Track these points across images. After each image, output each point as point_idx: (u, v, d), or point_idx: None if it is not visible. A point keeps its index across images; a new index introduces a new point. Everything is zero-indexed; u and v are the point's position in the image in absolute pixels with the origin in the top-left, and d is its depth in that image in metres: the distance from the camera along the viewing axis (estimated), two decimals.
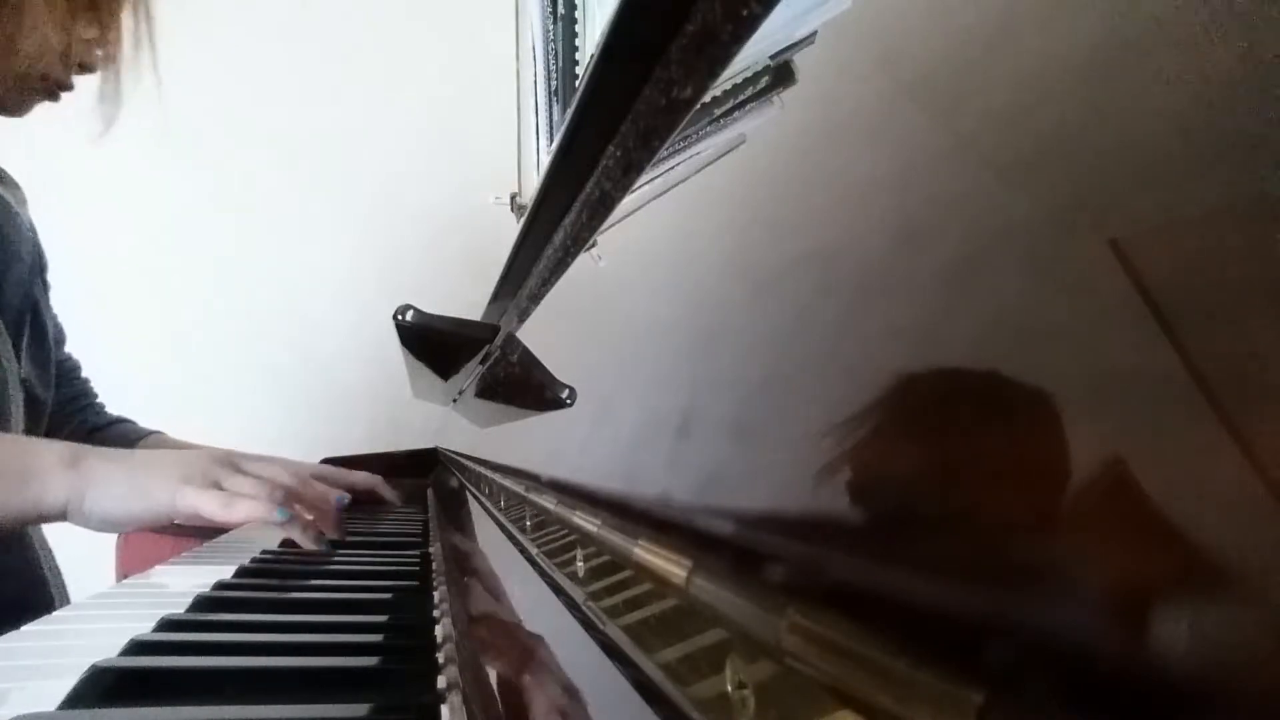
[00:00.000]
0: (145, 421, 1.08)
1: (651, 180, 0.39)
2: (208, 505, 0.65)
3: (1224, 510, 0.08)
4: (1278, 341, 0.08)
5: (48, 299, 0.91)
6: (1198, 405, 0.09)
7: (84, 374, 1.04)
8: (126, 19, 0.77)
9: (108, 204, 1.72)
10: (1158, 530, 0.09)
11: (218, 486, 0.67)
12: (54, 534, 0.88)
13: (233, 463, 0.71)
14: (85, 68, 0.77)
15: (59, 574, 0.88)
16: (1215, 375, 0.09)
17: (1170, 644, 0.08)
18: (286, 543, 0.79)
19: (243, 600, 0.57)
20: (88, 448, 0.67)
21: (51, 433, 0.94)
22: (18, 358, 0.81)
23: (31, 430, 0.84)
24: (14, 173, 0.88)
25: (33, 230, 0.88)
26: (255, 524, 0.74)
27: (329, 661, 0.42)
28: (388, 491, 1.05)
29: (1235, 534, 0.08)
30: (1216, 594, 0.08)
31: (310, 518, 0.74)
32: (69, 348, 1.00)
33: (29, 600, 0.79)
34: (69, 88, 0.77)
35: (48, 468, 0.63)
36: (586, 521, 0.30)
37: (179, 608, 0.51)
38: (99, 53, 0.76)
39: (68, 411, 0.99)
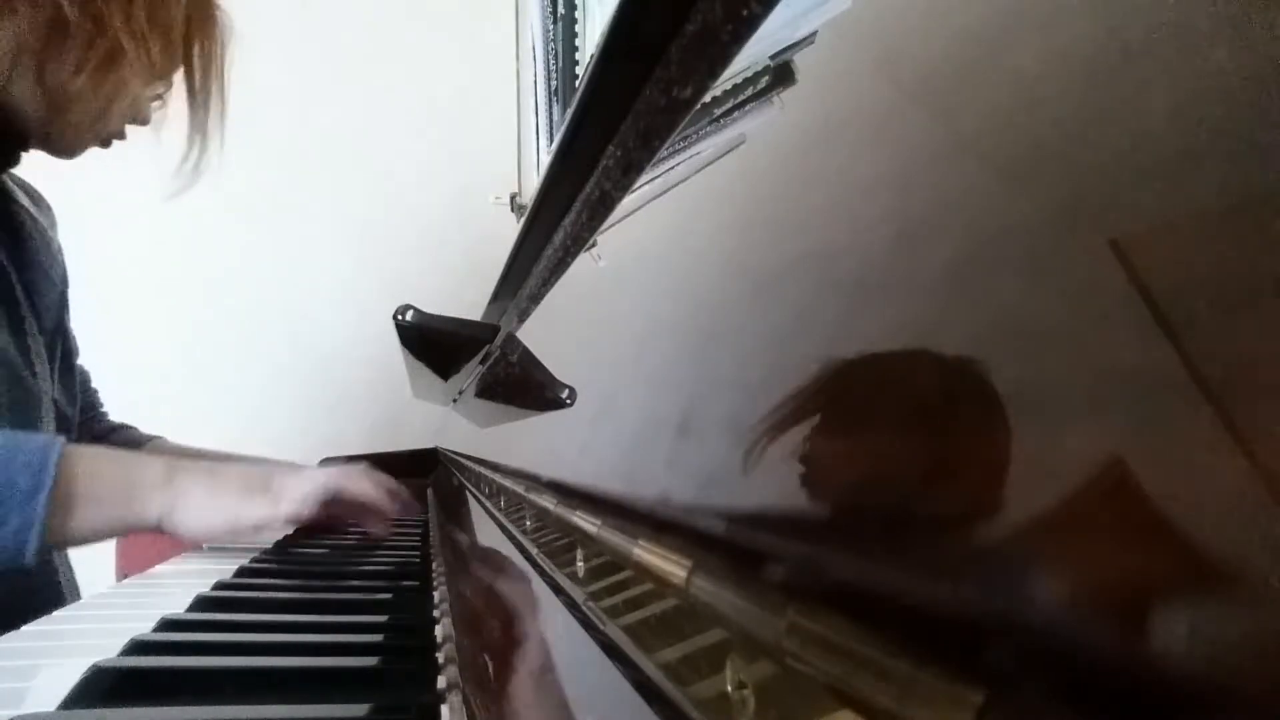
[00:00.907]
0: (147, 422, 1.08)
1: (651, 180, 0.39)
2: (259, 511, 0.73)
3: (1224, 510, 0.08)
4: (1278, 341, 0.08)
5: (68, 316, 0.95)
6: (1197, 405, 0.09)
7: (92, 384, 1.07)
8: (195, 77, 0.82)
9: (109, 204, 1.72)
10: (1157, 530, 0.09)
11: (275, 492, 0.75)
12: None
13: (292, 470, 0.79)
14: (141, 121, 0.81)
15: (73, 578, 0.89)
16: (1215, 375, 0.09)
17: (1170, 643, 0.08)
18: (285, 542, 0.80)
19: (243, 600, 0.57)
20: (180, 464, 0.73)
21: None
22: (51, 379, 0.84)
23: None
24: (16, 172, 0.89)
25: (60, 253, 0.92)
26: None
27: (329, 661, 0.42)
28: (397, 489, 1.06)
29: (1235, 534, 0.08)
30: (1216, 593, 0.08)
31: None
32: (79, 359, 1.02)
33: (41, 600, 0.79)
34: (123, 137, 0.82)
35: (150, 484, 0.69)
36: (586, 521, 0.30)
37: (179, 607, 0.51)
38: (156, 107, 0.82)
39: (78, 421, 1.01)
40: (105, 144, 0.81)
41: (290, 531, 0.84)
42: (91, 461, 0.66)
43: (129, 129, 0.81)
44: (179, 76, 0.81)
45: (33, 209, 0.88)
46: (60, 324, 0.88)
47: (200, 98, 0.81)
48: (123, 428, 1.08)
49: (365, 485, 0.82)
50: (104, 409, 1.08)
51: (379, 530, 0.84)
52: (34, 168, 0.89)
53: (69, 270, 0.93)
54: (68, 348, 0.91)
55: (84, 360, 1.05)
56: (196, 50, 0.79)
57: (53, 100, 0.72)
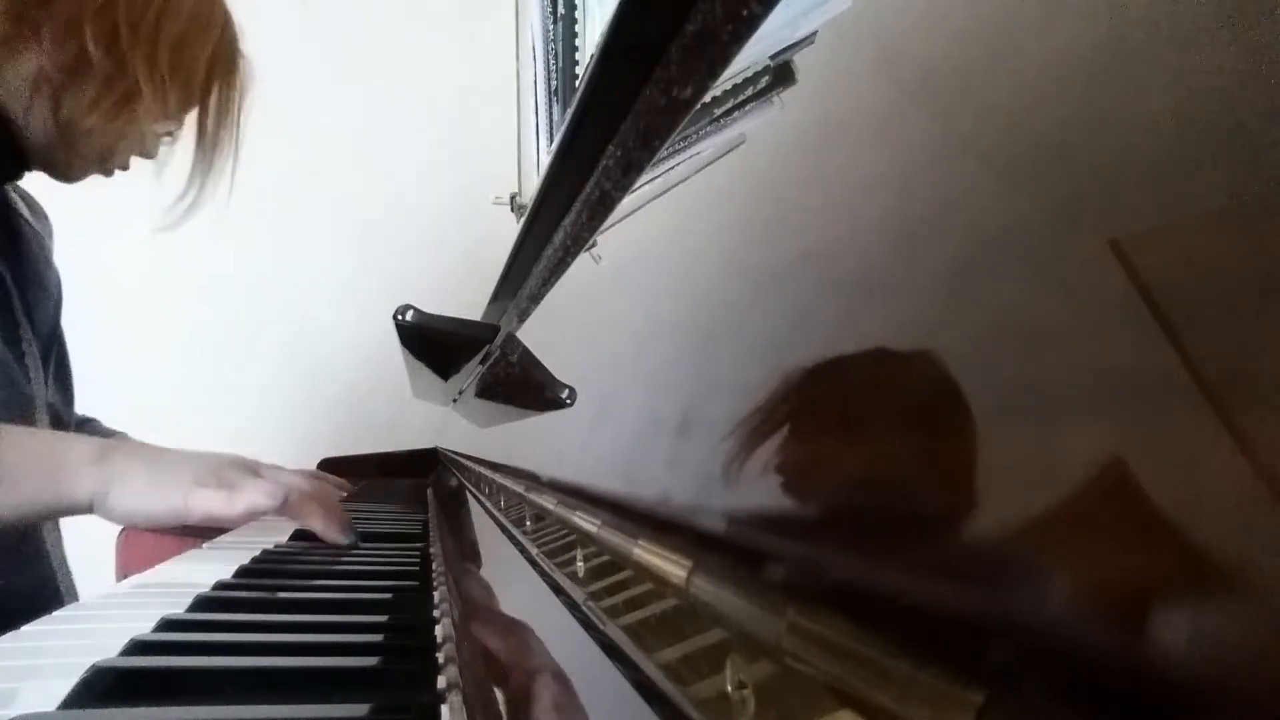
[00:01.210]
0: (146, 422, 1.08)
1: (651, 180, 0.39)
2: (215, 503, 0.68)
3: (1224, 510, 0.08)
4: (1278, 341, 0.08)
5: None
6: (1197, 405, 0.09)
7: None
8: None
9: (108, 204, 1.72)
10: (1157, 530, 0.09)
11: (228, 487, 0.69)
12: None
13: (247, 466, 0.74)
14: (148, 155, 0.82)
15: (70, 578, 0.89)
16: (1215, 375, 0.09)
17: (1170, 643, 0.08)
18: (294, 537, 0.80)
19: (243, 600, 0.57)
20: (115, 443, 0.70)
21: None
22: (45, 384, 0.85)
23: None
24: (27, 192, 0.90)
25: (54, 265, 0.92)
26: (258, 523, 0.75)
27: (329, 661, 0.42)
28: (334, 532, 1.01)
29: (1235, 534, 0.08)
30: (1216, 593, 0.08)
31: (322, 511, 0.77)
32: None
33: (38, 600, 0.80)
34: (125, 168, 0.82)
35: (78, 462, 0.65)
36: (586, 521, 0.30)
37: (179, 608, 0.51)
38: (166, 143, 0.82)
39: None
40: (108, 173, 0.81)
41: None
42: (13, 438, 0.64)
43: (134, 160, 0.82)
44: (192, 115, 0.81)
45: (32, 220, 0.89)
46: (55, 331, 0.88)
47: (209, 141, 0.81)
48: (87, 421, 1.07)
49: (312, 516, 0.76)
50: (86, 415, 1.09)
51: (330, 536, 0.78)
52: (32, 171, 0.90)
53: (65, 265, 0.94)
54: (63, 356, 0.91)
55: (82, 359, 1.05)
56: (214, 96, 0.79)
57: (64, 133, 0.72)
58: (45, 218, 0.94)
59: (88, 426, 1.06)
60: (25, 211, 0.88)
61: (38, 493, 0.63)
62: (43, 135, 0.72)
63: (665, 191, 0.38)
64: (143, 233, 1.76)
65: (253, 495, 0.69)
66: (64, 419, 0.89)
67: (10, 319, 0.80)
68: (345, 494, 0.95)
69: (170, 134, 0.81)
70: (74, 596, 0.88)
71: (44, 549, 0.84)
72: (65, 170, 0.78)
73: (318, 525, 0.75)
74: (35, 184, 0.94)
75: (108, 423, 1.07)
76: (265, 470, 0.75)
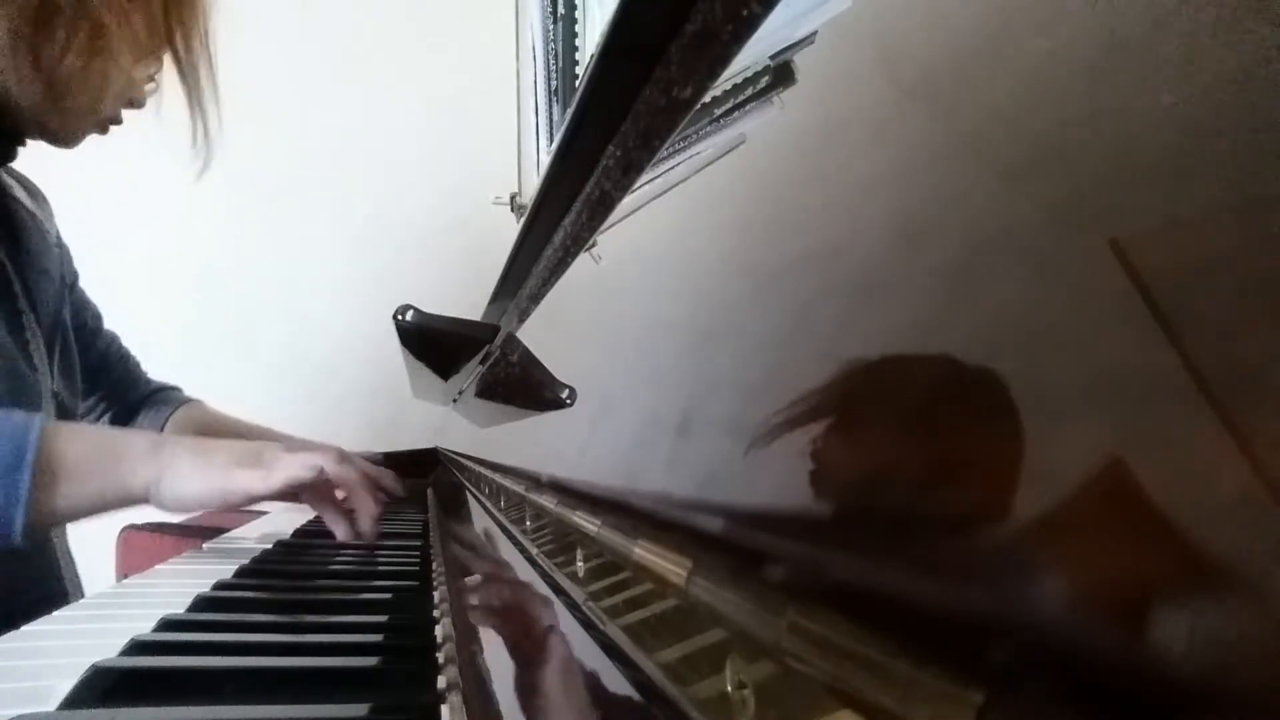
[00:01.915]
0: None
1: (651, 180, 0.39)
2: (253, 481, 0.72)
3: (1224, 510, 0.08)
4: (1278, 341, 0.08)
5: (79, 291, 0.97)
6: (1197, 405, 0.09)
7: (125, 347, 1.10)
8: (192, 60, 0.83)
9: (108, 204, 1.72)
10: (1157, 530, 0.09)
11: (267, 467, 0.73)
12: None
13: (286, 447, 0.77)
14: (136, 104, 0.82)
15: (78, 582, 0.89)
16: (1215, 375, 0.09)
17: (1170, 644, 0.08)
18: (289, 541, 0.80)
19: (242, 600, 0.57)
20: (166, 436, 0.74)
21: (98, 412, 1.04)
22: (51, 372, 0.85)
23: None
24: (24, 175, 0.90)
25: (60, 245, 0.92)
26: (258, 522, 0.76)
27: (329, 661, 0.42)
28: (395, 485, 1.07)
29: (1235, 534, 0.08)
30: (1216, 594, 0.08)
31: (349, 506, 0.79)
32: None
33: (44, 599, 0.80)
34: (119, 122, 0.82)
35: (134, 454, 0.69)
36: (586, 521, 0.30)
37: (179, 608, 0.51)
38: (150, 89, 0.82)
39: (118, 392, 1.06)
40: (103, 130, 0.81)
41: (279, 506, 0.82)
42: (73, 435, 0.66)
43: (127, 118, 0.82)
44: (169, 61, 0.81)
45: (29, 202, 0.88)
46: (60, 317, 0.88)
47: (189, 70, 0.81)
48: (163, 389, 1.11)
49: (350, 475, 0.79)
50: (145, 372, 1.11)
51: (356, 529, 0.79)
52: (32, 167, 0.90)
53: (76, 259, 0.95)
54: (68, 343, 0.91)
55: (111, 331, 1.06)
56: (177, 20, 0.79)
57: (50, 86, 0.72)
58: (45, 200, 0.93)
59: (165, 394, 1.10)
60: (22, 195, 0.87)
61: (102, 486, 0.66)
62: (30, 94, 0.72)
63: (665, 191, 0.38)
64: (143, 233, 1.76)
65: (287, 470, 0.72)
66: (70, 409, 0.90)
67: (13, 307, 0.80)
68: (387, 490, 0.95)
69: (152, 78, 0.81)
70: (80, 593, 0.88)
71: (49, 546, 0.84)
72: (60, 130, 0.78)
73: (343, 519, 0.78)
74: (36, 181, 0.94)
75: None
76: (297, 446, 0.78)
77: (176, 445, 0.72)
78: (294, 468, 0.73)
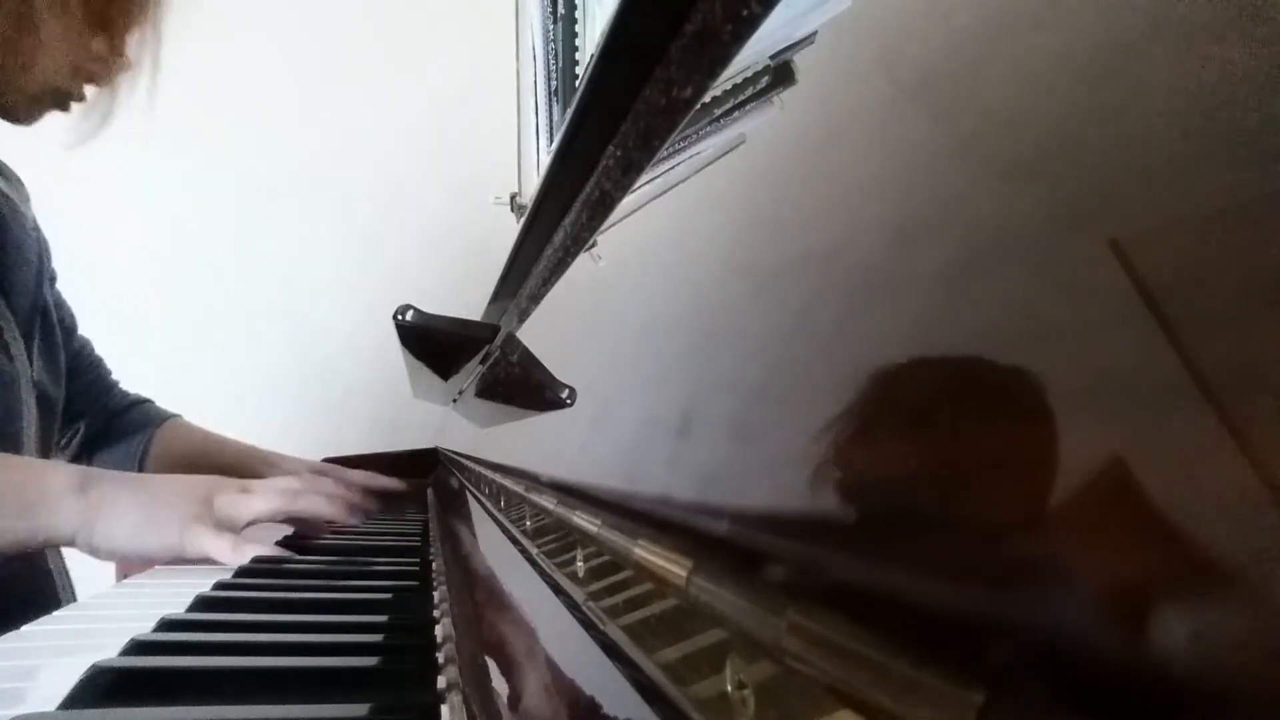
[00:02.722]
0: None
1: (651, 180, 0.39)
2: (216, 549, 0.65)
3: (1224, 510, 0.08)
4: (1278, 341, 0.08)
5: (55, 290, 0.91)
6: (1198, 405, 0.09)
7: (97, 354, 1.04)
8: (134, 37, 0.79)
9: (108, 204, 1.72)
10: (1157, 530, 0.09)
11: (229, 525, 0.68)
12: None
13: (241, 487, 0.72)
14: (94, 80, 0.78)
15: (68, 577, 0.88)
16: (1215, 375, 0.09)
17: (1170, 644, 0.08)
18: (288, 541, 0.80)
19: (242, 600, 0.57)
20: (98, 472, 0.66)
21: (69, 423, 0.96)
22: (30, 360, 0.81)
23: (45, 428, 0.84)
24: (18, 171, 0.89)
25: (37, 229, 0.88)
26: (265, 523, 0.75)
27: (329, 661, 0.42)
28: (389, 481, 1.07)
29: (1235, 534, 0.08)
30: (1216, 594, 0.08)
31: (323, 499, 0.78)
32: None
33: (36, 600, 0.79)
34: (80, 98, 0.78)
35: (56, 494, 0.61)
36: (586, 521, 0.30)
37: (179, 608, 0.51)
38: (108, 67, 0.78)
39: (88, 399, 0.99)
40: (62, 106, 0.77)
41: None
42: None
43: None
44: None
45: (2, 184, 0.85)
46: (38, 301, 0.84)
47: (117, 45, 0.77)
48: (140, 403, 1.05)
49: (317, 504, 0.76)
50: (114, 380, 1.05)
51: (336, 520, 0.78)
52: (32, 168, 0.89)
53: (66, 265, 0.92)
54: (49, 329, 0.87)
55: (85, 336, 1.03)
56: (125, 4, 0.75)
57: None
58: (20, 183, 0.89)
59: (140, 408, 1.04)
60: None
61: (13, 526, 0.60)
62: None
63: (665, 191, 0.38)
64: (142, 233, 1.76)
65: (248, 547, 0.67)
66: (52, 398, 0.86)
67: None
68: (365, 486, 0.96)
69: (118, 53, 0.77)
70: (72, 597, 0.88)
71: (41, 558, 0.83)
72: (11, 107, 0.74)
73: (326, 512, 0.77)
74: (39, 185, 0.94)
75: None
76: (253, 485, 0.73)
77: (114, 486, 0.64)
78: (263, 508, 0.68)
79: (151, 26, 0.79)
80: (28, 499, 0.60)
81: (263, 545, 0.68)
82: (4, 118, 0.76)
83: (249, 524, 0.70)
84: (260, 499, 0.71)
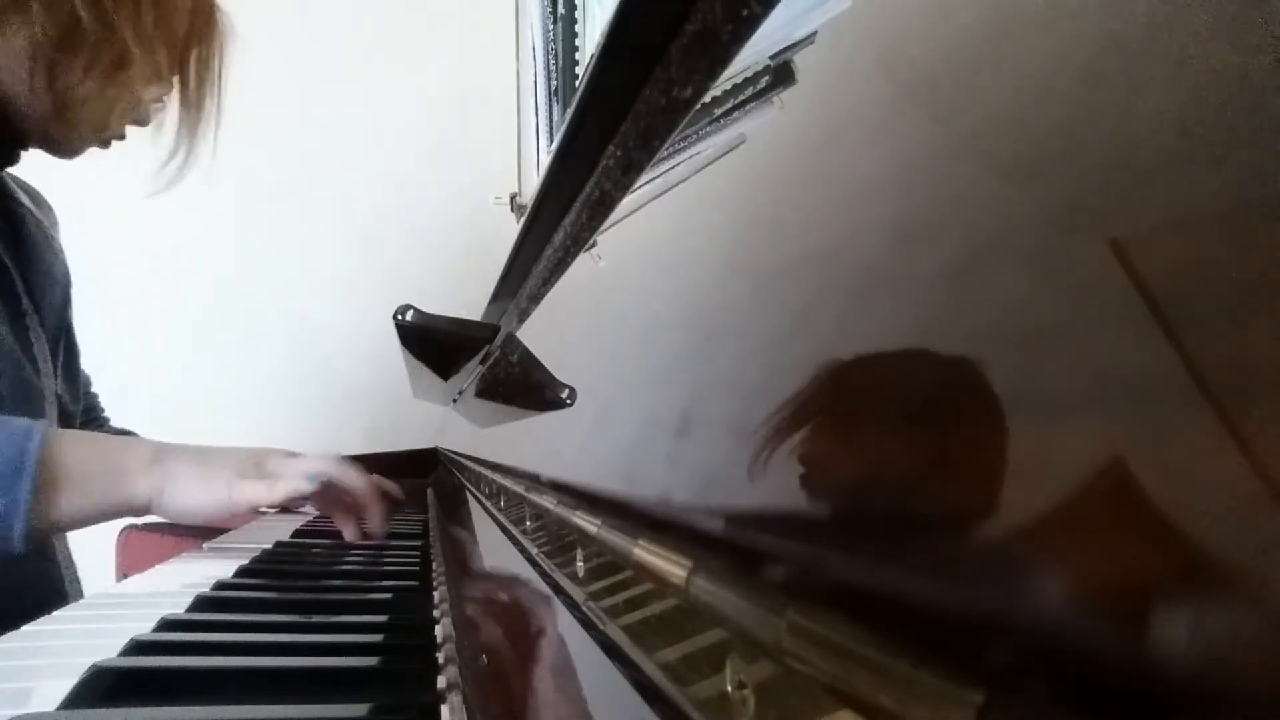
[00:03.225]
0: (146, 422, 1.08)
1: (651, 180, 0.39)
2: (257, 493, 0.71)
3: (1224, 510, 0.08)
4: (1278, 341, 0.08)
5: (71, 315, 0.95)
6: (1198, 405, 0.09)
7: (93, 389, 1.07)
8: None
9: (108, 204, 1.72)
10: (1157, 530, 0.09)
11: (268, 476, 0.73)
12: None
13: (286, 452, 0.77)
14: (141, 123, 0.81)
15: (78, 583, 0.89)
16: (1215, 375, 0.09)
17: (1170, 644, 0.08)
18: (288, 541, 0.80)
19: (243, 600, 0.57)
20: (168, 445, 0.72)
21: None
22: (54, 375, 0.85)
23: None
24: (16, 171, 0.89)
25: (63, 253, 0.92)
26: (258, 523, 0.77)
27: (329, 661, 0.42)
28: (391, 486, 1.08)
29: (1235, 534, 0.08)
30: (1216, 594, 0.08)
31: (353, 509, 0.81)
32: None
33: (44, 598, 0.80)
34: (122, 138, 0.81)
35: (138, 465, 0.68)
36: (586, 521, 0.30)
37: (179, 608, 0.51)
38: (157, 109, 0.81)
39: (78, 425, 1.01)
40: (105, 145, 0.81)
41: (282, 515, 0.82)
42: (75, 443, 0.66)
43: (130, 130, 0.82)
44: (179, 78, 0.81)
45: (34, 209, 0.88)
46: (63, 321, 0.88)
47: (194, 99, 0.81)
48: (124, 434, 1.08)
49: (356, 480, 0.81)
50: (105, 414, 1.08)
51: (365, 529, 0.82)
52: (32, 167, 0.89)
53: (67, 256, 0.94)
54: (72, 348, 0.91)
55: (83, 360, 1.05)
56: (194, 54, 0.80)
57: (60, 102, 0.72)
58: (49, 208, 0.93)
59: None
60: (26, 200, 0.87)
61: (102, 494, 0.66)
62: (39, 107, 0.72)
63: (665, 191, 0.38)
64: (142, 234, 1.76)
65: (292, 481, 0.72)
66: (70, 413, 0.89)
67: (16, 309, 0.80)
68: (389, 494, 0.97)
69: (161, 99, 0.81)
70: (80, 595, 0.88)
71: (50, 549, 0.84)
72: (63, 144, 0.78)
73: (352, 520, 0.80)
74: (37, 184, 0.94)
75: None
76: (299, 455, 0.78)
77: (179, 455, 0.71)
78: (298, 479, 0.73)
79: (212, 80, 0.82)
80: (115, 471, 0.67)
81: (298, 480, 0.73)
82: (52, 152, 0.79)
83: (290, 494, 0.73)
84: (309, 461, 0.76)
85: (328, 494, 0.78)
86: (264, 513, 0.77)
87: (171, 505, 0.69)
